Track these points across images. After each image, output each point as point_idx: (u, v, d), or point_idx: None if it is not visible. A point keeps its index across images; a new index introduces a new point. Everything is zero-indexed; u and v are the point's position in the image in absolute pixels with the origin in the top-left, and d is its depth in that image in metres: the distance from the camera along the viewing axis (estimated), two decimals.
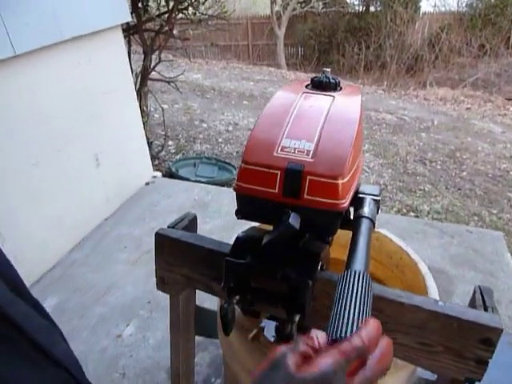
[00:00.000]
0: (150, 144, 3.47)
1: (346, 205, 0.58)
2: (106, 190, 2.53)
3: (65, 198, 2.20)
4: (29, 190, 1.98)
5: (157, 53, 3.07)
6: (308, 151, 0.60)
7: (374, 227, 0.60)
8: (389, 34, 9.18)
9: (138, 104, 2.74)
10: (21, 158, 1.91)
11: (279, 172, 0.59)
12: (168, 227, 0.80)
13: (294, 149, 0.61)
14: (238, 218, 0.66)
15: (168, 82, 3.19)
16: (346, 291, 0.45)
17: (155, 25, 3.07)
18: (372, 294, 0.46)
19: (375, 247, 1.03)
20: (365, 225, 0.58)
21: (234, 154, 4.01)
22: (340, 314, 0.42)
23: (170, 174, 3.30)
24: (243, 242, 0.66)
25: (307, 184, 0.58)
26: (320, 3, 10.85)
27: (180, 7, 2.80)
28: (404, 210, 3.13)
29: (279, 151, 0.61)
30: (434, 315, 0.59)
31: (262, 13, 11.51)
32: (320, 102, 0.70)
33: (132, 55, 3.36)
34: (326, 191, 0.58)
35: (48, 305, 1.92)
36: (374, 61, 9.40)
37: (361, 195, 0.66)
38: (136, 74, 3.30)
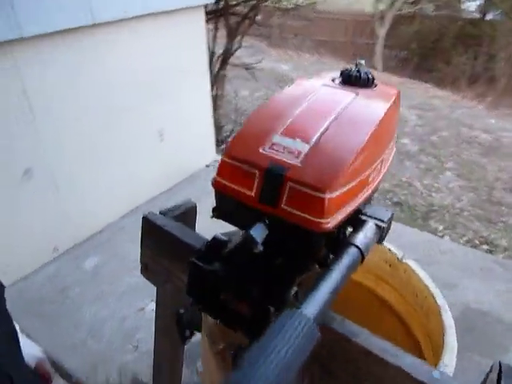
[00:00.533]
0: (220, 128, 3.50)
1: (330, 225, 0.47)
2: (165, 165, 2.58)
3: (124, 167, 2.29)
4: (91, 154, 2.08)
5: (240, 38, 3.04)
6: (299, 153, 0.50)
7: (362, 259, 0.48)
8: (504, 46, 8.24)
9: (209, 86, 2.75)
10: (86, 125, 2.00)
11: (258, 172, 0.50)
12: (160, 213, 0.74)
13: (284, 148, 0.51)
14: (212, 217, 0.57)
15: (246, 69, 3.16)
16: (275, 336, 0.35)
17: (243, 10, 3.04)
18: (308, 352, 0.35)
19: (401, 279, 0.88)
20: (349, 256, 0.47)
21: None
22: (254, 364, 0.33)
23: None
24: (216, 245, 0.57)
25: (286, 191, 0.48)
26: (432, 5, 10.11)
27: None
28: (476, 242, 2.78)
29: (267, 148, 0.52)
30: None
31: (368, 10, 11.02)
32: (338, 97, 0.58)
33: (217, 39, 3.39)
34: (306, 204, 0.47)
35: (88, 265, 2.01)
36: (482, 73, 8.52)
37: (363, 217, 0.53)
38: (218, 56, 3.33)
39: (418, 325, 0.86)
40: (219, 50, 3.32)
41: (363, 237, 0.49)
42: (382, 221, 0.52)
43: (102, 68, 2.00)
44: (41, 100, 1.78)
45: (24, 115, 1.75)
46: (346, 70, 0.64)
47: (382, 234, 0.52)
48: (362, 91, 0.60)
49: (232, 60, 3.51)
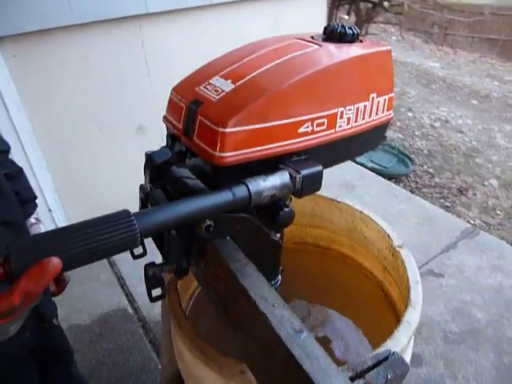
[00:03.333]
0: None
1: (226, 160, 0.48)
2: None
3: None
4: None
5: (367, 26, 2.94)
6: (222, 91, 0.52)
7: (250, 201, 0.48)
8: None
9: None
10: None
11: (184, 106, 0.54)
12: None
13: (214, 87, 0.54)
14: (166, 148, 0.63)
15: None
16: (99, 219, 0.39)
17: None
18: (120, 250, 0.39)
19: (399, 273, 0.80)
20: (230, 191, 0.46)
21: (425, 151, 3.57)
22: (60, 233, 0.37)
23: None
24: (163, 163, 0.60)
25: (197, 125, 0.51)
26: None
27: None
28: None
29: (201, 87, 0.55)
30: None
31: None
32: (297, 48, 0.57)
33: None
34: (208, 137, 0.49)
35: None
36: None
37: (282, 165, 0.52)
38: None
39: None
40: None
41: (262, 180, 0.49)
42: (298, 171, 0.51)
43: (218, 42, 2.16)
44: (158, 68, 2.04)
45: (144, 80, 2.04)
46: (329, 25, 0.62)
47: (295, 184, 0.50)
48: (329, 45, 0.58)
49: None
